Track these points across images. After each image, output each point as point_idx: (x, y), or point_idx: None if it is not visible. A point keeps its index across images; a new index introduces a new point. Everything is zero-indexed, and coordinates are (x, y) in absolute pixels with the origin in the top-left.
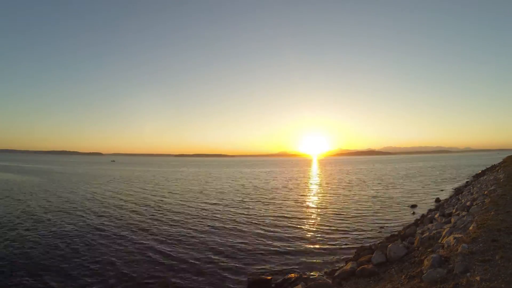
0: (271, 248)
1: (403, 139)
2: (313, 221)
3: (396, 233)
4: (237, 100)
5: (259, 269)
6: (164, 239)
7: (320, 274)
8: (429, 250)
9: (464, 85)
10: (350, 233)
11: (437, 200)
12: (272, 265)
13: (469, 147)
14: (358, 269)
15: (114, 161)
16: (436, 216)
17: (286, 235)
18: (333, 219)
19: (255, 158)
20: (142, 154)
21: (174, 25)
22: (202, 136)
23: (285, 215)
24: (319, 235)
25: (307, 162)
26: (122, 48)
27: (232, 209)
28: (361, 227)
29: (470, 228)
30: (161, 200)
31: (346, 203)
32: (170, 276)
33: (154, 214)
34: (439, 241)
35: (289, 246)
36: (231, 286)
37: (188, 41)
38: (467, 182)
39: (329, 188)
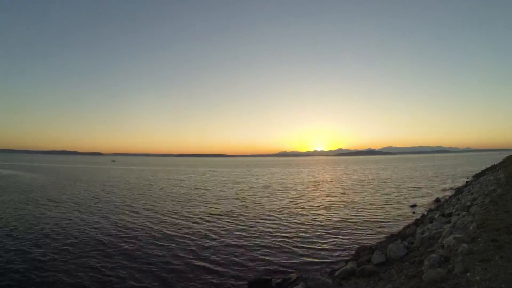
0: (271, 248)
1: (403, 139)
2: (313, 221)
3: (396, 233)
4: (237, 100)
5: (259, 269)
6: (163, 239)
7: (320, 274)
8: (429, 250)
9: (465, 85)
10: (350, 233)
11: (437, 200)
12: (272, 265)
13: (469, 147)
14: (358, 269)
15: (114, 161)
16: (436, 216)
17: (286, 234)
18: (333, 218)
19: (255, 158)
20: (142, 154)
21: (176, 26)
22: (202, 136)
23: (285, 215)
24: (319, 235)
25: (306, 162)
26: (122, 49)
27: (231, 209)
28: (361, 227)
29: (470, 228)
30: (158, 202)
31: (346, 203)
32: (170, 276)
33: (152, 214)
34: (439, 241)
35: (289, 246)
36: (232, 285)
37: (189, 42)
38: (467, 182)
39: (329, 188)
